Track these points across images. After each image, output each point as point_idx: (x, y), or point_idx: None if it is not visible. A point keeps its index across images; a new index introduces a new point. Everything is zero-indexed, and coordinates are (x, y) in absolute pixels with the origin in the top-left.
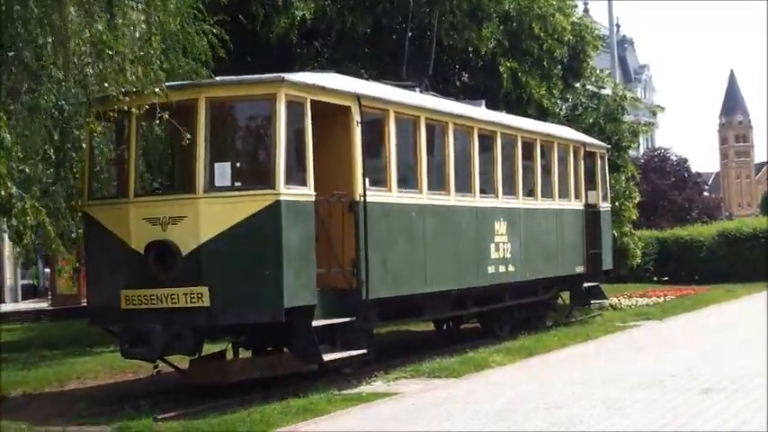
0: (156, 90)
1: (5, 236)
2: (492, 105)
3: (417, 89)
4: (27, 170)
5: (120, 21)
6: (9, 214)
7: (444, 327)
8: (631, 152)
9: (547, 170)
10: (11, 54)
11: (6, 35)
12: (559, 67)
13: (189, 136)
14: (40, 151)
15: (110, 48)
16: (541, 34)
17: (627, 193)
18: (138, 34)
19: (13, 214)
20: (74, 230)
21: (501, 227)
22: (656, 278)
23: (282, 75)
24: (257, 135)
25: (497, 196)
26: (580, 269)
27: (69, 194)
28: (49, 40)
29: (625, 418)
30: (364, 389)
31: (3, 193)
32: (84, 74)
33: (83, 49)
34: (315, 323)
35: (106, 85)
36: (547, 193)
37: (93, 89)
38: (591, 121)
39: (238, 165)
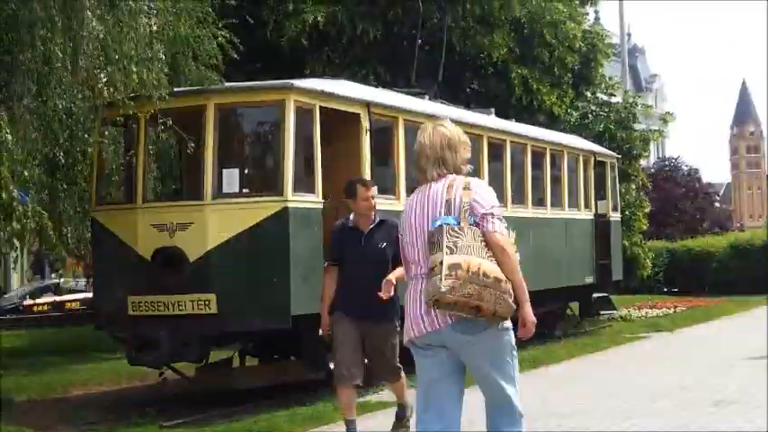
0: (159, 94)
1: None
2: (502, 112)
3: (426, 96)
4: (26, 174)
5: (126, 20)
6: (10, 217)
7: None
8: (642, 162)
9: (556, 179)
10: (15, 58)
11: (8, 39)
12: (570, 74)
13: (193, 145)
14: (46, 155)
15: (114, 50)
16: (553, 41)
17: (637, 202)
18: (139, 35)
19: (15, 217)
20: (75, 236)
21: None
22: (666, 289)
23: (291, 81)
24: (265, 141)
25: (506, 205)
26: (589, 279)
27: (79, 199)
28: (58, 42)
29: (635, 428)
30: (371, 397)
31: (4, 195)
32: (93, 76)
33: (87, 51)
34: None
35: (112, 90)
36: (556, 203)
37: (102, 93)
38: (601, 128)
39: (246, 171)
